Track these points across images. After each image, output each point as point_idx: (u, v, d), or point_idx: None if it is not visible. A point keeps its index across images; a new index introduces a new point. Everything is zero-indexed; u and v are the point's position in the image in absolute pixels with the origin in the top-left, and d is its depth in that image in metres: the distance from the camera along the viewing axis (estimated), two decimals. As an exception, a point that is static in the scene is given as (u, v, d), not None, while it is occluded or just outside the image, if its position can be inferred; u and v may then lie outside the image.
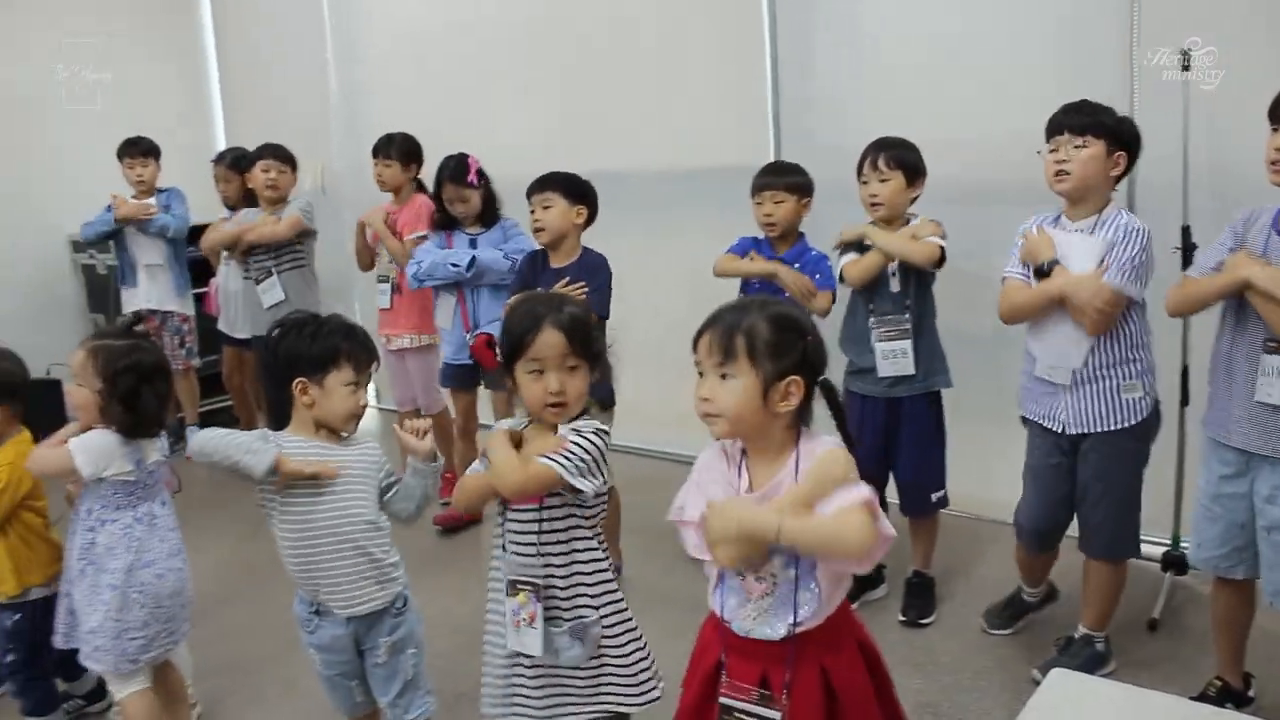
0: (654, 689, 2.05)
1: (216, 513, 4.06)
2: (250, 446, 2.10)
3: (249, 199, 4.71)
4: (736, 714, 1.76)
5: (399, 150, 4.28)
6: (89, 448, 2.37)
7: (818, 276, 3.20)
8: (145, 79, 6.10)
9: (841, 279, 3.15)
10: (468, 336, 3.91)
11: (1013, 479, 3.00)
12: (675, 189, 4.57)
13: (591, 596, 1.98)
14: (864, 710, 1.75)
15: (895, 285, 3.09)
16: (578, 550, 1.98)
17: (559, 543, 1.97)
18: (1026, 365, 2.82)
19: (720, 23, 4.37)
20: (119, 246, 5.12)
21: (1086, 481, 2.75)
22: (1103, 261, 2.59)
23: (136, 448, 2.43)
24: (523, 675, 2.01)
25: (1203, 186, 3.12)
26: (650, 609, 3.32)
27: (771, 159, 3.99)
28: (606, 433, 1.94)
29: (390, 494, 2.30)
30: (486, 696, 2.08)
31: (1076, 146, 2.61)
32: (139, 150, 4.97)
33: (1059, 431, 2.74)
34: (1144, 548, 3.40)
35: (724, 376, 1.69)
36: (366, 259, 4.43)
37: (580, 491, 1.89)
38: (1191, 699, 2.44)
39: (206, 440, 2.13)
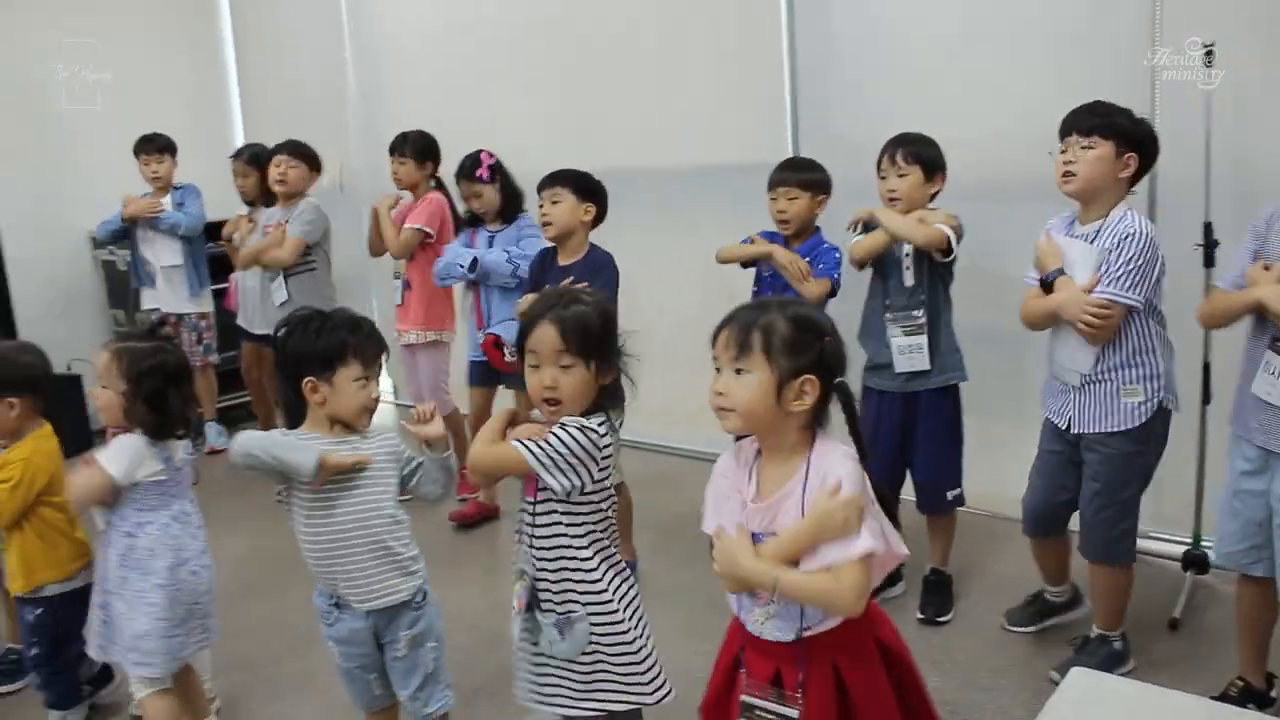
0: (661, 689, 2.05)
1: (232, 507, 4.09)
2: (294, 445, 2.11)
3: (267, 194, 4.73)
4: (758, 712, 1.77)
5: (414, 148, 4.29)
6: (118, 456, 2.38)
7: (820, 265, 3.19)
8: (165, 77, 6.14)
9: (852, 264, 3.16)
10: (479, 334, 3.92)
11: (1025, 476, 2.99)
12: (692, 186, 4.57)
13: (579, 594, 1.98)
14: (880, 709, 1.74)
15: (909, 279, 3.08)
16: (564, 547, 1.98)
17: (547, 537, 1.98)
18: (1049, 364, 2.83)
19: (738, 18, 4.35)
20: (134, 248, 5.16)
21: (1085, 482, 2.76)
22: (1101, 268, 2.59)
23: (164, 446, 2.45)
24: (527, 660, 2.06)
25: (1225, 182, 3.09)
26: (665, 605, 3.32)
27: (790, 156, 3.99)
28: (596, 431, 1.90)
29: (415, 479, 2.29)
30: (515, 680, 2.13)
31: (1084, 147, 2.60)
32: (154, 147, 4.99)
33: (1065, 429, 2.76)
34: (1165, 546, 3.42)
35: (739, 372, 1.68)
36: (377, 246, 4.44)
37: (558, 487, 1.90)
38: (1213, 699, 2.43)
39: (249, 441, 2.11)
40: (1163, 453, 2.77)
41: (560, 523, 1.97)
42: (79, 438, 3.54)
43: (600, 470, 1.94)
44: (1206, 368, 3.11)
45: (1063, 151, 2.64)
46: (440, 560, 3.49)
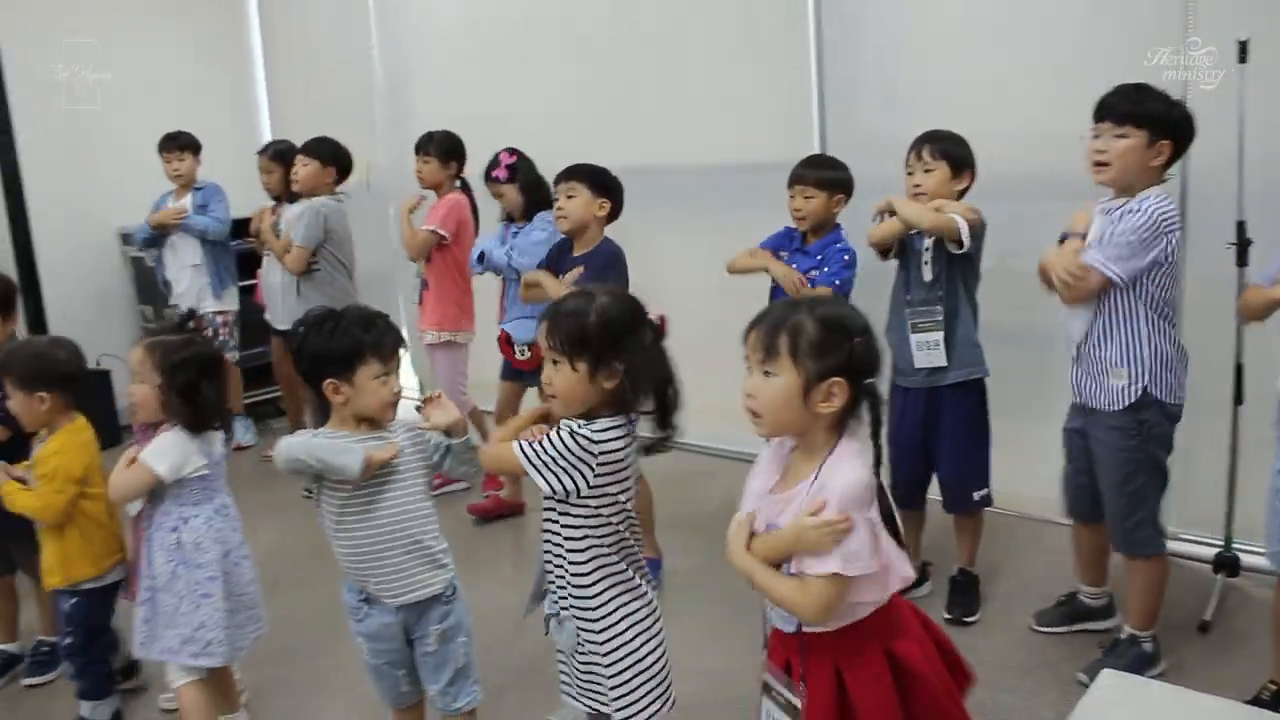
0: (645, 710, 2.02)
1: (258, 502, 4.11)
2: (339, 448, 2.11)
3: (290, 190, 4.76)
4: (774, 693, 1.79)
5: (438, 147, 4.29)
6: (163, 452, 2.41)
7: (825, 269, 3.18)
8: (194, 75, 6.18)
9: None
10: (498, 329, 3.97)
11: (1055, 476, 2.98)
12: (717, 183, 4.56)
13: (573, 599, 1.98)
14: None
15: (928, 274, 3.07)
16: (561, 548, 1.97)
17: (551, 534, 1.99)
18: None
19: (766, 14, 4.33)
20: (160, 249, 5.22)
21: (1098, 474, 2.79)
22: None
23: (205, 441, 2.48)
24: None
25: (1259, 180, 3.05)
26: (689, 604, 3.33)
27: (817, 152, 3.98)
28: (585, 435, 1.87)
29: (446, 463, 2.28)
30: None
31: (1117, 136, 2.58)
32: (176, 145, 5.03)
33: (1076, 399, 2.81)
34: (1195, 548, 3.38)
35: (767, 374, 1.67)
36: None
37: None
38: (1245, 703, 2.40)
39: (294, 446, 2.12)
40: (1169, 446, 2.74)
41: (557, 522, 1.97)
42: (108, 432, 3.57)
43: (599, 476, 1.89)
44: (1239, 369, 3.07)
45: (1095, 136, 2.62)
46: (466, 555, 3.51)
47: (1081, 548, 3.02)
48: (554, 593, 2.03)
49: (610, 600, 1.97)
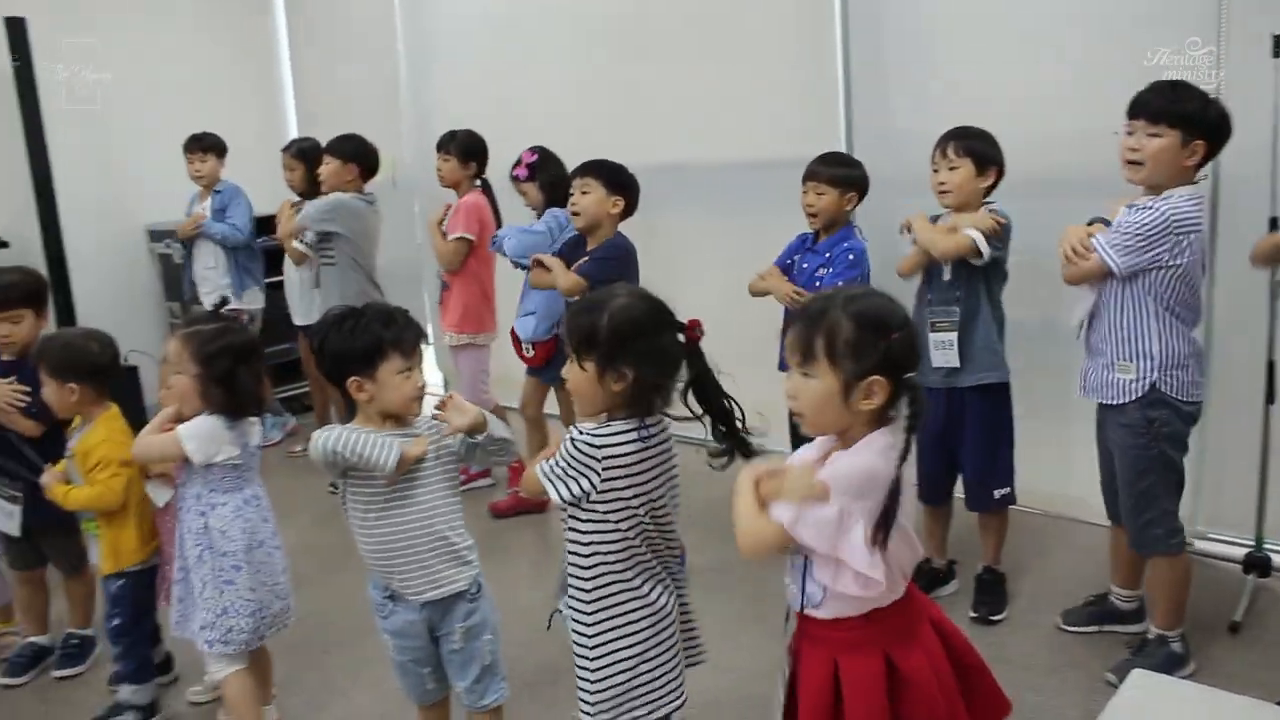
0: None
1: (284, 497, 4.13)
2: (375, 442, 2.10)
3: (313, 187, 4.78)
4: (783, 661, 1.83)
5: (458, 146, 4.30)
6: (198, 434, 2.42)
7: (830, 270, 3.20)
8: (221, 74, 6.23)
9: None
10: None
11: (1084, 475, 2.94)
12: (743, 180, 4.54)
13: (576, 599, 1.97)
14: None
15: (947, 274, 3.06)
16: (572, 546, 1.96)
17: (566, 536, 1.97)
18: None
19: (793, 11, 4.32)
20: (188, 248, 5.29)
21: None
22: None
23: (241, 431, 2.49)
24: None
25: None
26: (709, 600, 3.32)
27: (842, 150, 3.96)
28: (584, 439, 1.85)
29: (473, 455, 2.28)
30: None
31: (1151, 134, 2.55)
32: (200, 146, 5.08)
33: (1080, 393, 2.82)
34: (1226, 548, 3.35)
35: (806, 375, 1.67)
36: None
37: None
38: (1276, 703, 2.37)
39: (331, 438, 2.11)
40: (1183, 446, 2.71)
41: (568, 525, 1.96)
42: (135, 428, 3.57)
43: (606, 480, 1.86)
44: (1271, 366, 3.04)
45: (1129, 133, 2.59)
46: (490, 552, 3.52)
47: (1117, 549, 2.99)
48: (571, 597, 2.01)
49: (607, 608, 1.93)
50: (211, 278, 5.19)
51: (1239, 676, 2.72)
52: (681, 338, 1.91)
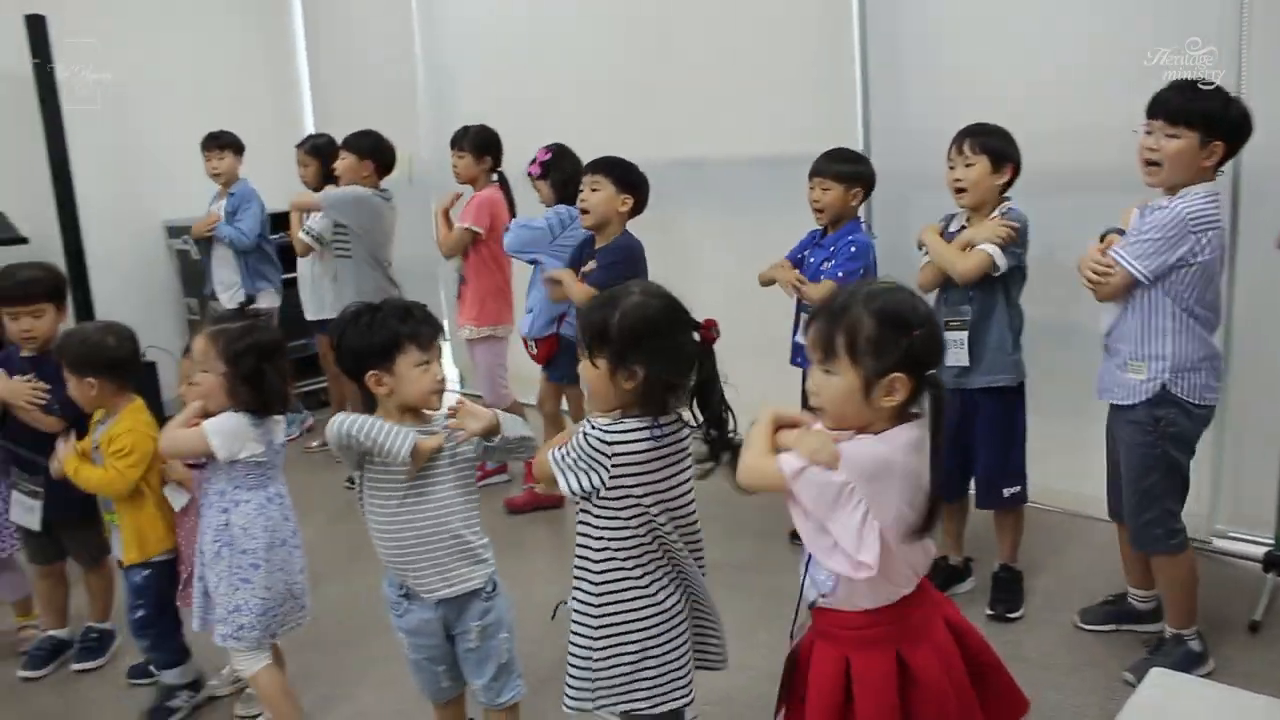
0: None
1: (301, 493, 4.13)
2: (391, 430, 2.11)
3: (325, 183, 4.80)
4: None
5: (471, 142, 4.32)
6: (224, 430, 2.43)
7: (831, 263, 3.26)
8: (239, 71, 6.26)
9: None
10: None
11: (1102, 473, 2.94)
12: (759, 176, 4.54)
13: (583, 592, 1.96)
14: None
15: None
16: (579, 544, 1.96)
17: (578, 530, 1.97)
18: None
19: (810, 7, 4.30)
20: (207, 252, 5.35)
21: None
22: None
23: (266, 429, 2.50)
24: None
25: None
26: (726, 599, 3.30)
27: (860, 147, 3.95)
28: (594, 433, 1.85)
29: (495, 451, 2.28)
30: None
31: (1169, 136, 2.53)
32: (217, 144, 5.10)
33: (1098, 394, 2.80)
34: (1245, 547, 3.33)
35: (827, 372, 1.67)
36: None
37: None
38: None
39: (347, 422, 2.12)
40: (1189, 448, 2.68)
41: (580, 519, 1.96)
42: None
43: (615, 476, 1.86)
44: (1292, 365, 3.02)
45: (1148, 132, 2.57)
46: (505, 548, 3.52)
47: (1126, 549, 2.98)
48: (575, 587, 2.01)
49: (613, 604, 1.93)
50: (226, 275, 5.22)
51: (1259, 675, 2.70)
52: (697, 337, 1.90)
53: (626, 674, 1.96)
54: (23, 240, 5.17)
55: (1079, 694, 2.71)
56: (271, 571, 2.51)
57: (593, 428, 1.86)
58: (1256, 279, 3.17)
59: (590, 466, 1.86)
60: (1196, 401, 2.63)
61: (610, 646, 1.95)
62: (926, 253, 3.09)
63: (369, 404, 2.27)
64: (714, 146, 4.63)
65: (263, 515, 2.51)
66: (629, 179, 3.40)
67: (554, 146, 4.02)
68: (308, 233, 4.72)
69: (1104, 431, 2.91)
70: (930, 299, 3.11)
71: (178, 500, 2.73)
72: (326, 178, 4.79)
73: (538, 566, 3.67)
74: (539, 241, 3.86)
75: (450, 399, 2.27)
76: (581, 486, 1.87)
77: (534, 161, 4.02)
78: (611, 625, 1.95)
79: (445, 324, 4.81)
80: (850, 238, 3.28)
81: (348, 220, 4.52)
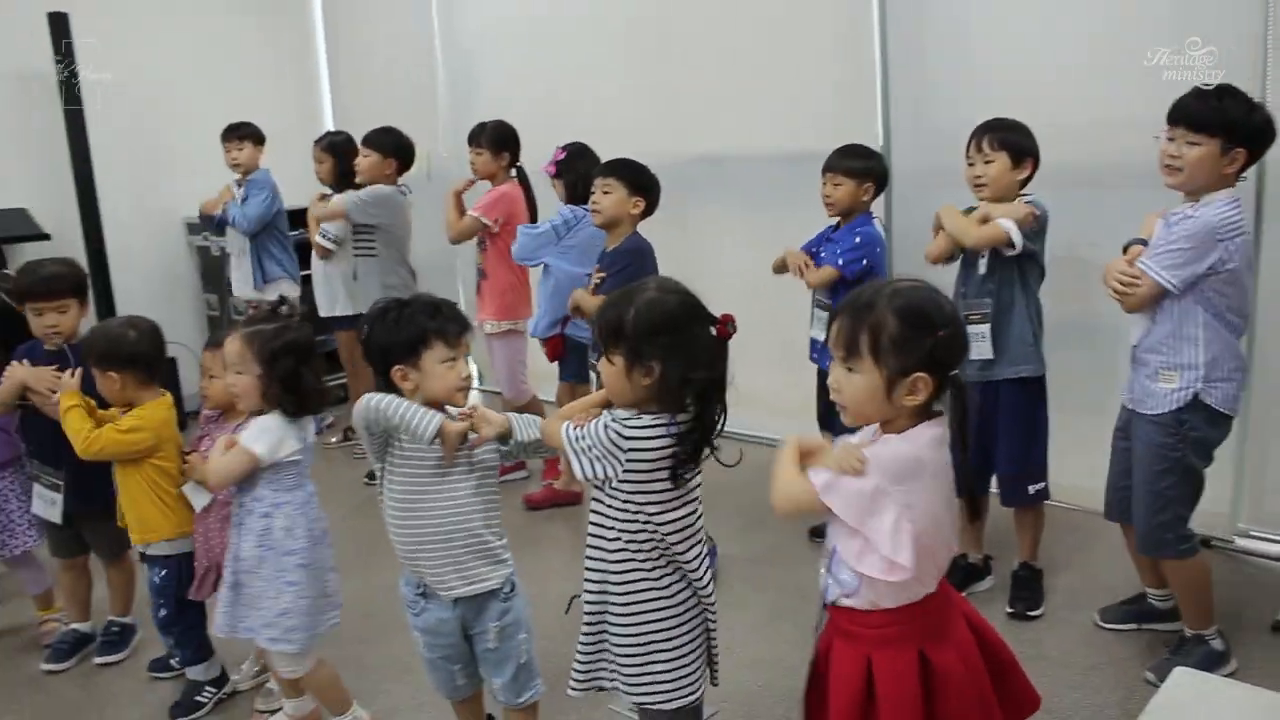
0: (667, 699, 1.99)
1: (320, 488, 4.16)
2: (418, 410, 2.11)
3: (341, 180, 4.81)
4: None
5: (489, 138, 4.32)
6: (264, 432, 2.43)
7: (835, 250, 3.31)
8: (259, 67, 6.30)
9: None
10: None
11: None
12: (779, 173, 4.53)
13: (610, 580, 1.96)
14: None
15: (982, 268, 3.04)
16: (597, 528, 1.96)
17: (591, 519, 1.98)
18: None
19: (830, 4, 4.29)
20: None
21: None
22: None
23: (301, 425, 2.50)
24: None
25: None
26: (745, 593, 3.32)
27: (880, 143, 3.94)
28: (616, 427, 1.84)
29: (512, 452, 2.28)
30: None
31: (1190, 143, 2.51)
32: (236, 134, 5.11)
33: (1128, 403, 2.78)
34: (1268, 546, 3.31)
35: (849, 369, 1.66)
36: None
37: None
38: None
39: (376, 399, 2.11)
40: (1207, 455, 2.67)
41: (594, 509, 1.96)
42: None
43: (628, 471, 1.86)
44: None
45: (1169, 139, 2.55)
46: (522, 544, 3.52)
47: (1133, 549, 2.96)
48: (587, 574, 2.01)
49: (635, 590, 1.95)
50: (236, 264, 5.23)
51: (1281, 675, 2.69)
52: (713, 332, 1.90)
53: (638, 666, 1.97)
54: (45, 237, 5.22)
55: (1099, 693, 2.70)
56: (314, 570, 2.51)
57: (612, 420, 1.86)
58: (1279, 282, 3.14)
59: (604, 457, 1.86)
60: (1223, 410, 2.62)
61: (625, 639, 1.96)
62: (939, 229, 3.09)
63: None
64: (733, 143, 4.63)
65: (303, 514, 2.51)
66: (640, 181, 3.42)
67: (571, 146, 4.02)
68: (324, 236, 4.72)
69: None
70: (949, 292, 3.10)
71: (199, 499, 2.74)
72: (343, 175, 4.80)
73: (555, 563, 3.67)
74: (545, 245, 3.88)
75: (474, 396, 2.27)
76: (595, 474, 1.88)
77: (551, 160, 4.03)
78: (625, 617, 1.95)
79: (464, 320, 4.83)
80: (857, 229, 3.31)
81: (377, 220, 4.53)
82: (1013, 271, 3.01)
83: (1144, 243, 2.65)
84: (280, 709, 2.77)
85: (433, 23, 5.93)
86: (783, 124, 4.45)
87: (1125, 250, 2.69)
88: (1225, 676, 2.60)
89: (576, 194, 3.90)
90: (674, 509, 1.91)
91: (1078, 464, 3.35)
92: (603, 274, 3.43)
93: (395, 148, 4.60)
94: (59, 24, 5.15)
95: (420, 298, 2.26)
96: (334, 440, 5.14)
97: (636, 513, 1.90)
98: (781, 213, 4.44)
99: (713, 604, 2.01)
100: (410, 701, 2.88)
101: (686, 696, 1.99)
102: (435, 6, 5.91)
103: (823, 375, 3.22)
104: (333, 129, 5.84)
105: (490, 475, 2.27)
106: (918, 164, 3.89)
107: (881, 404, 1.65)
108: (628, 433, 1.84)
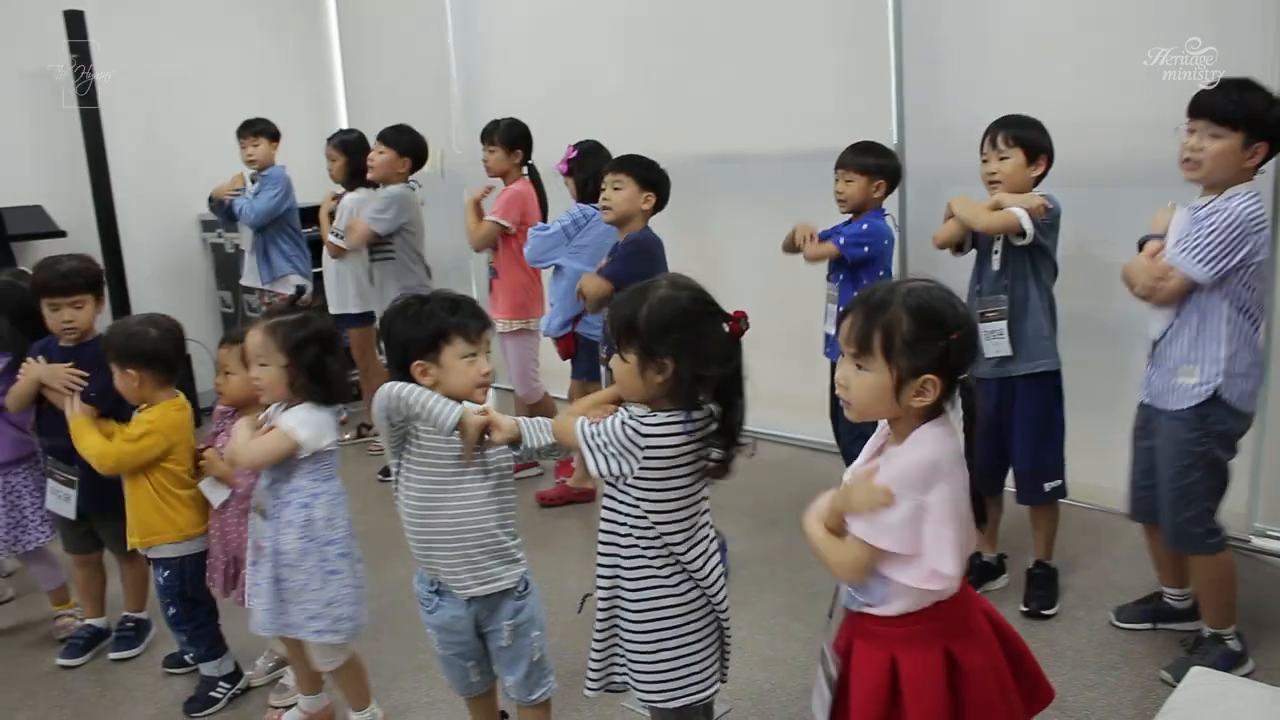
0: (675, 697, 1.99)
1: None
2: (440, 400, 2.09)
3: (352, 178, 4.82)
4: (825, 660, 1.83)
5: (502, 136, 4.32)
6: (308, 422, 2.41)
7: (839, 229, 3.34)
8: (274, 65, 6.33)
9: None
10: None
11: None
12: (792, 172, 4.52)
13: (622, 578, 1.96)
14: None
15: (996, 264, 3.03)
16: (610, 526, 1.96)
17: (604, 516, 1.97)
18: None
19: (845, 3, 4.28)
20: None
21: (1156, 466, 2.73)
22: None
23: (336, 415, 2.49)
24: None
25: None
26: (759, 590, 3.32)
27: (894, 141, 3.92)
28: (632, 424, 1.84)
29: (525, 454, 2.26)
30: None
31: (1213, 135, 2.49)
32: (252, 131, 5.11)
33: (1145, 401, 2.76)
34: (1286, 545, 3.29)
35: (859, 367, 1.66)
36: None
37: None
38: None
39: (398, 388, 2.10)
40: (1232, 448, 2.65)
41: (607, 506, 1.96)
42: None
43: (644, 468, 1.86)
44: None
45: (1190, 131, 2.54)
46: (535, 541, 3.53)
47: (1156, 550, 2.95)
48: (599, 572, 2.00)
49: (646, 589, 1.94)
50: (245, 257, 5.24)
51: (1300, 676, 2.67)
52: (726, 329, 1.89)
53: (648, 664, 1.97)
54: (60, 234, 5.25)
55: (1114, 692, 2.68)
56: (353, 559, 2.52)
57: (630, 417, 1.85)
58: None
59: (619, 454, 1.86)
60: (1244, 408, 2.61)
61: (636, 637, 1.96)
62: (950, 216, 3.08)
63: None
64: (746, 141, 4.62)
65: (341, 504, 2.51)
66: (650, 176, 3.42)
67: (583, 144, 4.02)
68: (336, 235, 4.73)
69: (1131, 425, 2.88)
70: (961, 293, 3.09)
71: (217, 496, 2.74)
72: (354, 173, 4.80)
73: (569, 560, 3.67)
74: (556, 246, 3.89)
75: (489, 396, 2.26)
76: (610, 470, 1.87)
77: (563, 158, 4.03)
78: (636, 616, 1.95)
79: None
80: (866, 220, 3.32)
81: (399, 223, 4.55)
82: (1025, 265, 3.00)
83: (1158, 238, 2.63)
84: (294, 704, 2.78)
85: (446, 20, 5.93)
86: (796, 122, 4.44)
87: (1140, 248, 2.67)
88: (1241, 676, 2.59)
89: (587, 192, 3.90)
90: (678, 511, 1.90)
91: (1092, 463, 3.34)
92: (611, 260, 3.43)
93: (410, 147, 4.60)
94: (75, 22, 5.18)
95: (440, 293, 2.25)
96: (348, 436, 5.15)
97: (649, 512, 1.89)
98: (794, 211, 4.40)
99: (722, 601, 2.00)
100: (424, 699, 2.89)
101: (694, 695, 1.99)
102: (449, 4, 5.91)
103: (835, 371, 3.22)
104: (346, 126, 5.85)
105: (507, 476, 2.26)
106: (931, 161, 3.88)
107: (889, 403, 1.64)
108: (645, 430, 1.84)
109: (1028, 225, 2.87)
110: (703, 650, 1.99)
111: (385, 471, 4.51)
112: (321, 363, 2.42)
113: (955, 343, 1.61)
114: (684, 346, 1.83)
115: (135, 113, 5.64)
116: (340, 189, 4.95)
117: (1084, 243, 3.11)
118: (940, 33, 3.98)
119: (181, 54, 5.84)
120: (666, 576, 1.93)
